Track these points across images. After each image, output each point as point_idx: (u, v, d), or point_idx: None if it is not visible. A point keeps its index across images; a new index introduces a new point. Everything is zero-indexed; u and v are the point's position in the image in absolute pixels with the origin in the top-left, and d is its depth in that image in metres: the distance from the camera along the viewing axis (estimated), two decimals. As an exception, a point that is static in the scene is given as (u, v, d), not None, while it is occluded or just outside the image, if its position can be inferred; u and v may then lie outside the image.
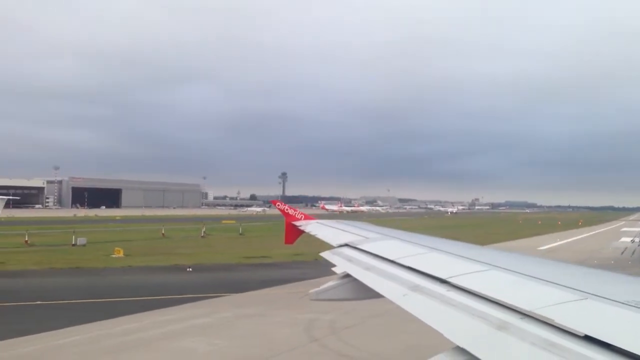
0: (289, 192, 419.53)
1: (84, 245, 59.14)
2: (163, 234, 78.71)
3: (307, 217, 14.60)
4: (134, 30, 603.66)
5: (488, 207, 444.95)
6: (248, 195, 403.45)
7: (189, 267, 41.49)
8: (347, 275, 6.92)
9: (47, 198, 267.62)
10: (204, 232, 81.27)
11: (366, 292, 6.16)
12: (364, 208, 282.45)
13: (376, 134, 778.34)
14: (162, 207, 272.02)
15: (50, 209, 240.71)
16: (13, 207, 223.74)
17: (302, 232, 13.35)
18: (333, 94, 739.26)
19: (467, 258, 6.08)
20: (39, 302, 27.81)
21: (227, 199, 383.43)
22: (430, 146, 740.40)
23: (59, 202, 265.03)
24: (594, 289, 4.08)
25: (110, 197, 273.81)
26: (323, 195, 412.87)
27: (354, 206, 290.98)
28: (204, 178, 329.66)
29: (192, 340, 20.10)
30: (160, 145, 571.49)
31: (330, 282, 7.09)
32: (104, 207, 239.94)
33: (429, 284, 5.22)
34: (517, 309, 3.93)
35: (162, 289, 32.04)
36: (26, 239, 63.41)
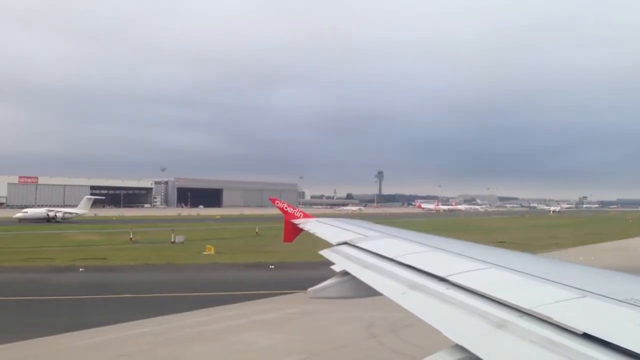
0: (385, 190, 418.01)
1: (181, 243, 62.16)
2: (257, 233, 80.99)
3: (306, 215, 14.52)
4: (235, 34, 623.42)
5: (597, 206, 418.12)
6: (344, 195, 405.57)
7: (271, 265, 42.94)
8: (346, 274, 6.87)
9: (155, 198, 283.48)
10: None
11: (365, 291, 6.14)
12: (462, 207, 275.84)
13: (476, 130, 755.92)
14: (261, 206, 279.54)
15: (157, 208, 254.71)
16: (124, 206, 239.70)
17: (301, 230, 13.23)
18: (432, 90, 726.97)
19: (466, 256, 6.05)
20: (127, 295, 30.03)
21: (324, 198, 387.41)
22: (535, 141, 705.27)
23: (166, 202, 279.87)
24: (593, 287, 4.07)
25: (212, 196, 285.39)
26: (420, 194, 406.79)
27: (452, 205, 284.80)
28: (301, 177, 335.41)
29: (255, 334, 20.97)
30: (259, 146, 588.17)
31: (329, 280, 7.02)
32: (201, 206, 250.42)
33: (428, 282, 5.19)
34: (516, 307, 3.92)
35: (240, 285, 33.45)
36: (131, 236, 67.65)
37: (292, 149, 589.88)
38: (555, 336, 3.31)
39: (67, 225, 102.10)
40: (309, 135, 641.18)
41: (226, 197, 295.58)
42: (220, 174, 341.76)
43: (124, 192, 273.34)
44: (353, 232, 9.65)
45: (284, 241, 14.52)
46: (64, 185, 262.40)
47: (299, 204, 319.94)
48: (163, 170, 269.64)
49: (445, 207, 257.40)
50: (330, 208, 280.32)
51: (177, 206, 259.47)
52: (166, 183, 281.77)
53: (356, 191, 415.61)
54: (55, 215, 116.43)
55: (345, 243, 8.54)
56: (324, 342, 19.50)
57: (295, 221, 13.91)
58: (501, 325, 3.73)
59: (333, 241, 9.05)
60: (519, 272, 4.97)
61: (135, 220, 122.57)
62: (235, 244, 63.59)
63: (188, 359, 18.00)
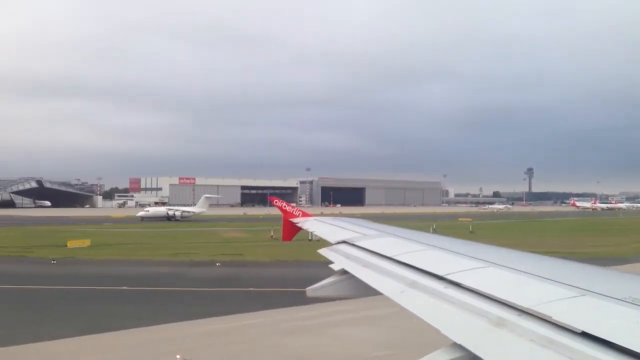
0: (536, 188, 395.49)
1: (317, 241, 63.74)
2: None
3: (305, 214, 14.45)
4: (374, 32, 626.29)
5: None
6: (491, 193, 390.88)
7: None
8: (345, 272, 6.85)
9: (300, 197, 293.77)
10: (433, 228, 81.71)
11: (364, 289, 6.14)
12: (623, 205, 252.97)
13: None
14: (403, 205, 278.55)
15: (302, 207, 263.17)
16: (271, 205, 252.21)
17: (300, 229, 13.22)
18: (586, 80, 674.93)
19: (465, 255, 5.99)
20: (250, 289, 31.43)
21: (469, 196, 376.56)
22: None
23: (310, 201, 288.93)
24: (592, 286, 4.04)
25: (354, 195, 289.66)
26: (575, 191, 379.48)
27: (611, 202, 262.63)
28: (445, 176, 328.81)
29: (353, 329, 21.80)
30: (401, 145, 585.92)
31: (328, 279, 6.98)
32: (339, 205, 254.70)
33: (427, 281, 5.17)
34: (515, 306, 3.91)
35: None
36: (272, 234, 70.65)
37: (434, 147, 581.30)
38: (555, 335, 3.31)
39: (211, 223, 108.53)
40: (452, 131, 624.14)
41: (368, 195, 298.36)
42: (362, 173, 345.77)
43: (272, 191, 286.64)
44: (351, 230, 9.62)
45: (282, 240, 14.51)
46: (218, 186, 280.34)
47: (442, 203, 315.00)
48: (308, 170, 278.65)
49: (604, 205, 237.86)
50: (475, 206, 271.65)
51: (321, 205, 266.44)
52: (311, 182, 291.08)
53: (503, 189, 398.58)
54: (175, 214, 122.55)
55: (344, 242, 8.51)
56: (417, 340, 18.87)
57: (294, 220, 13.82)
58: (500, 324, 3.74)
59: (332, 240, 9.05)
60: (518, 270, 4.93)
61: (279, 219, 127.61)
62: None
63: (286, 348, 18.96)
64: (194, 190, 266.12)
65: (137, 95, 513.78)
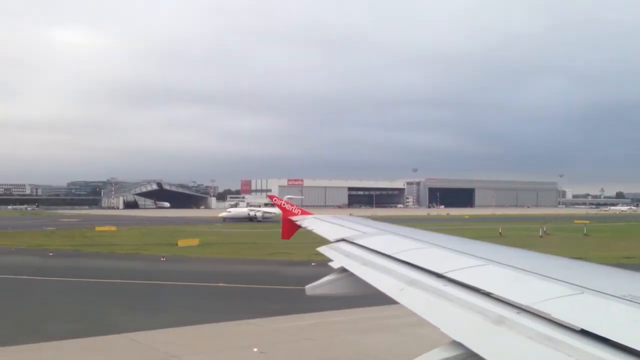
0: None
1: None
2: (500, 233, 78.41)
3: (304, 212, 14.35)
4: (476, 29, 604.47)
5: None
6: (613, 193, 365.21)
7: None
8: (344, 270, 6.84)
9: (407, 198, 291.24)
10: (544, 231, 78.15)
11: (363, 287, 6.15)
12: None
13: None
14: (515, 206, 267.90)
15: (409, 208, 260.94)
16: (377, 206, 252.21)
17: (299, 227, 13.05)
18: None
19: (464, 253, 5.95)
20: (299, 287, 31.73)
21: (589, 197, 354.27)
22: None
23: (417, 202, 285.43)
24: (591, 284, 4.02)
25: (463, 196, 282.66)
26: None
27: None
28: (561, 176, 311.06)
29: (433, 329, 20.81)
30: (511, 144, 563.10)
31: (327, 277, 6.98)
32: (442, 206, 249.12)
33: (426, 279, 5.17)
34: (514, 304, 3.91)
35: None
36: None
37: (548, 146, 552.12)
38: (554, 332, 3.31)
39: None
40: (568, 129, 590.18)
41: (478, 197, 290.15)
42: (471, 173, 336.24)
43: (379, 192, 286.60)
44: (351, 228, 9.56)
45: (282, 238, 14.32)
46: (325, 187, 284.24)
47: (559, 204, 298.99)
48: (415, 171, 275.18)
49: None
50: (595, 208, 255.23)
51: (428, 206, 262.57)
52: (418, 184, 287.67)
53: (628, 189, 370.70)
54: (256, 215, 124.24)
55: (343, 240, 8.49)
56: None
57: (293, 218, 13.75)
58: (499, 321, 3.73)
59: (331, 238, 9.02)
60: (517, 268, 4.90)
61: (383, 220, 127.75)
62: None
63: (364, 345, 19.09)
64: (301, 191, 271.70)
65: (248, 99, 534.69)
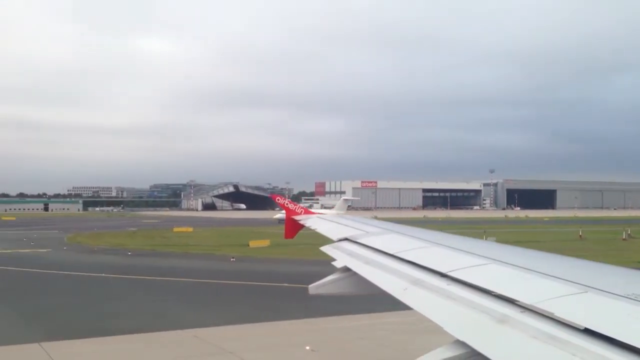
0: None
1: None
2: (580, 236, 75.52)
3: (307, 212, 14.17)
4: (555, 26, 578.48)
5: None
6: None
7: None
8: (347, 270, 6.79)
9: (484, 200, 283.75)
10: (628, 234, 74.41)
11: (366, 287, 6.11)
12: None
13: None
14: (601, 208, 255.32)
15: (486, 210, 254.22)
16: (452, 208, 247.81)
17: (302, 226, 12.98)
18: None
19: (467, 252, 5.91)
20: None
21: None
22: None
23: (495, 204, 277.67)
24: (594, 283, 4.00)
25: (543, 198, 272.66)
26: None
27: None
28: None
29: None
30: (596, 143, 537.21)
31: (330, 276, 6.92)
32: (518, 208, 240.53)
33: (430, 278, 5.15)
34: (517, 303, 3.91)
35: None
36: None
37: (636, 144, 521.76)
38: (557, 331, 3.30)
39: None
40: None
41: (560, 198, 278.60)
42: (551, 174, 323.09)
43: (454, 194, 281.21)
44: (354, 228, 9.48)
45: (285, 237, 14.41)
46: (399, 189, 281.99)
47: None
48: (492, 172, 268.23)
49: None
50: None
51: (506, 208, 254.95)
52: (495, 185, 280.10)
53: None
54: None
55: (346, 239, 8.42)
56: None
57: (297, 217, 13.73)
58: (502, 320, 3.72)
59: (334, 237, 8.95)
60: (520, 267, 4.88)
61: (459, 222, 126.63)
62: (549, 247, 59.79)
63: (413, 346, 18.80)
64: (375, 193, 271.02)
65: (322, 102, 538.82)
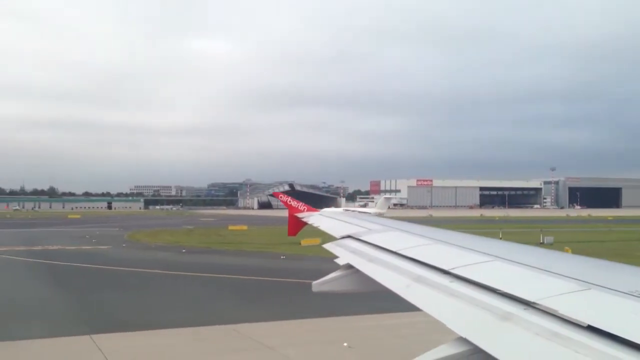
0: None
1: (550, 244, 60.76)
2: (645, 237, 72.74)
3: (310, 209, 14.19)
4: (613, 17, 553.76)
5: None
6: None
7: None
8: (350, 267, 6.73)
9: (545, 198, 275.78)
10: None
11: (369, 284, 6.05)
12: None
13: None
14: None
15: (547, 208, 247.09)
16: (509, 206, 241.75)
17: (305, 223, 12.96)
18: None
19: (470, 249, 5.85)
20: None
21: None
22: None
23: (556, 202, 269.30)
24: (598, 280, 3.97)
25: (607, 196, 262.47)
26: None
27: None
28: None
29: None
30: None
31: (333, 274, 6.84)
32: (578, 206, 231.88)
33: (432, 275, 5.12)
34: (520, 300, 3.88)
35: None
36: (500, 236, 68.50)
37: None
38: (560, 328, 3.28)
39: (446, 225, 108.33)
40: None
41: (626, 196, 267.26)
42: (616, 172, 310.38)
43: (512, 192, 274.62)
44: (357, 225, 9.38)
45: (288, 235, 14.26)
46: (455, 187, 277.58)
47: None
48: (552, 170, 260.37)
49: None
50: None
51: (568, 206, 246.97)
52: (556, 183, 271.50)
53: None
54: None
55: (349, 236, 8.35)
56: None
57: (299, 215, 13.60)
58: (505, 317, 3.70)
59: (337, 234, 8.88)
60: (524, 264, 4.82)
61: (517, 221, 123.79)
62: (612, 248, 58.07)
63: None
64: (431, 192, 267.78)
65: (377, 100, 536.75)
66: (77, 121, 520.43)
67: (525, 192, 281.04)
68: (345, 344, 18.75)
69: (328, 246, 8.39)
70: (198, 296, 31.54)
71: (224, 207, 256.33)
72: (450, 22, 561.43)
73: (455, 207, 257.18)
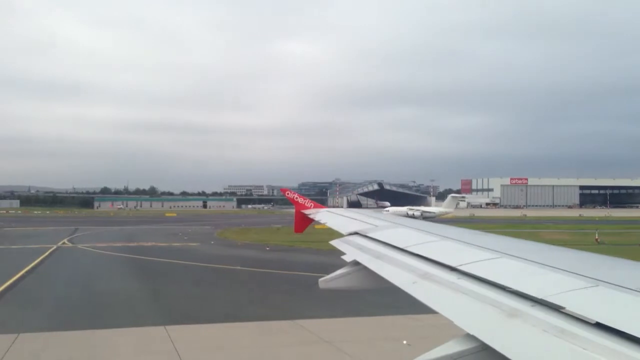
0: None
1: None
2: None
3: (317, 206, 14.14)
4: None
5: None
6: None
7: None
8: (357, 264, 6.69)
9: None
10: None
11: (376, 281, 6.08)
12: None
13: None
14: None
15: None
16: (613, 206, 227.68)
17: (312, 220, 12.89)
18: None
19: (478, 246, 5.81)
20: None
21: None
22: None
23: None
24: (606, 276, 3.92)
25: None
26: None
27: None
28: None
29: None
30: None
31: (340, 270, 6.79)
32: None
33: (439, 272, 5.11)
34: (528, 297, 3.86)
35: None
36: (596, 237, 65.73)
37: None
38: (568, 325, 3.25)
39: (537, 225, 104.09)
40: None
41: None
42: None
43: (616, 191, 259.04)
44: (363, 222, 9.34)
45: (295, 232, 14.39)
46: (553, 186, 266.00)
47: None
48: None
49: None
50: None
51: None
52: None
53: None
54: (414, 215, 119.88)
55: (356, 233, 8.33)
56: None
57: (306, 211, 13.53)
58: (513, 314, 3.67)
59: (343, 231, 8.90)
60: (531, 261, 4.79)
61: (619, 221, 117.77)
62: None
63: None
64: (526, 190, 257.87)
65: (468, 97, 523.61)
66: (174, 124, 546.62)
67: (630, 191, 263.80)
68: (405, 342, 18.62)
69: (335, 243, 8.32)
70: (270, 292, 32.44)
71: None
72: (549, 14, 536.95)
73: (553, 206, 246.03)
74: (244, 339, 20.78)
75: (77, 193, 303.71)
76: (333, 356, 18.23)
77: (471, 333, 3.61)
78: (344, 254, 7.21)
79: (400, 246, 6.51)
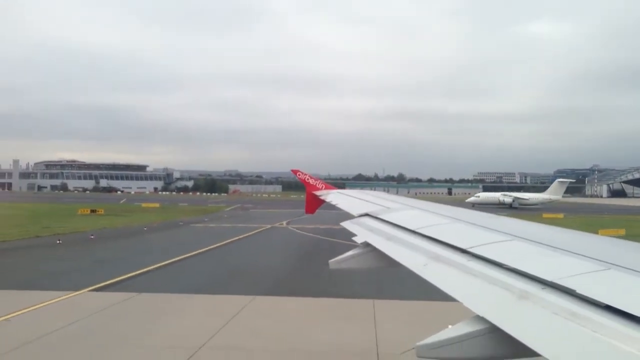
0: None
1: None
2: None
3: (328, 187, 14.16)
4: None
5: None
6: None
7: None
8: (368, 245, 6.68)
9: None
10: None
11: (386, 262, 6.07)
12: None
13: None
14: None
15: None
16: None
17: (323, 201, 12.98)
18: None
19: (489, 228, 5.80)
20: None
21: None
22: None
23: None
24: (618, 260, 3.92)
25: None
26: None
27: None
28: None
29: None
30: None
31: (351, 252, 6.76)
32: None
33: (450, 254, 5.08)
34: (538, 279, 3.78)
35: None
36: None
37: None
38: (578, 308, 3.20)
39: None
40: None
41: None
42: None
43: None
44: (374, 203, 9.35)
45: (306, 212, 14.57)
46: None
47: None
48: None
49: None
50: None
51: None
52: None
53: None
54: (505, 201, 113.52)
55: (367, 214, 8.38)
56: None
57: (317, 192, 13.58)
58: (523, 296, 3.63)
59: (354, 213, 8.96)
60: (542, 244, 4.78)
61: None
62: None
63: None
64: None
65: None
66: (424, 112, 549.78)
67: None
68: (449, 326, 17.06)
69: (346, 224, 8.35)
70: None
71: (569, 195, 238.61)
72: None
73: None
74: (303, 312, 21.31)
75: (331, 179, 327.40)
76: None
77: (481, 315, 3.55)
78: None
79: (412, 228, 6.48)
